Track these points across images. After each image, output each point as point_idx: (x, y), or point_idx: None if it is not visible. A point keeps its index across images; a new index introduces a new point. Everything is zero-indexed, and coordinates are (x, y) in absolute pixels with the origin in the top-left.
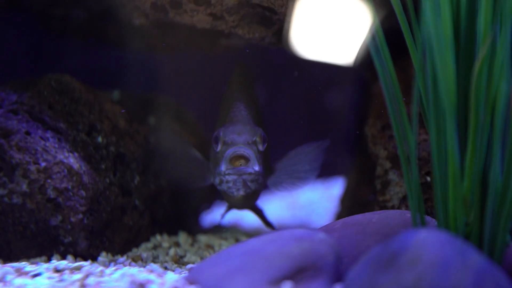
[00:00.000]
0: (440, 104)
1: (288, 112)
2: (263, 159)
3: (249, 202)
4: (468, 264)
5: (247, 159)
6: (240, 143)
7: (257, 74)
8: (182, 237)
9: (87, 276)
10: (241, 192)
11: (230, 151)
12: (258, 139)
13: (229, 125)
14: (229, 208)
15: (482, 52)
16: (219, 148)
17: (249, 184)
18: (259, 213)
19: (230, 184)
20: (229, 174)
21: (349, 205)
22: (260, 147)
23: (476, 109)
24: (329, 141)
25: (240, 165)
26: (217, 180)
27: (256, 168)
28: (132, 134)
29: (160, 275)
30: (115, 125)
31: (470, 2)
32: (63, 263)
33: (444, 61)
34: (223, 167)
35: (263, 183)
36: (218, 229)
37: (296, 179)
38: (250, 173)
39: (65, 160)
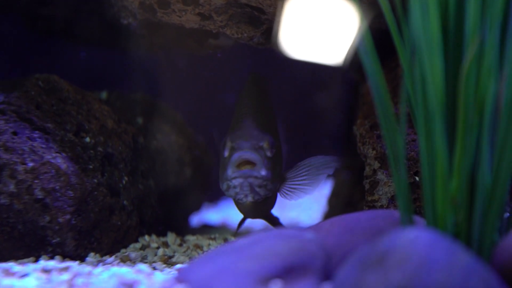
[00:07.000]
0: (429, 104)
1: (277, 112)
2: (273, 165)
3: (262, 210)
4: (457, 263)
5: (253, 164)
6: (246, 148)
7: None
8: (171, 238)
9: (75, 276)
10: (249, 198)
11: (236, 156)
12: (265, 145)
13: (236, 131)
14: (244, 218)
15: (470, 52)
16: (226, 153)
17: (256, 189)
18: (275, 222)
19: (237, 190)
20: (235, 177)
21: (337, 205)
22: (268, 153)
23: (465, 109)
24: (336, 160)
25: (246, 168)
26: (224, 186)
27: (263, 173)
28: (120, 134)
29: (149, 275)
30: (103, 125)
31: (459, 2)
32: (51, 264)
33: (432, 61)
34: (229, 171)
35: (274, 189)
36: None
37: (303, 189)
38: (256, 177)
39: (52, 161)
